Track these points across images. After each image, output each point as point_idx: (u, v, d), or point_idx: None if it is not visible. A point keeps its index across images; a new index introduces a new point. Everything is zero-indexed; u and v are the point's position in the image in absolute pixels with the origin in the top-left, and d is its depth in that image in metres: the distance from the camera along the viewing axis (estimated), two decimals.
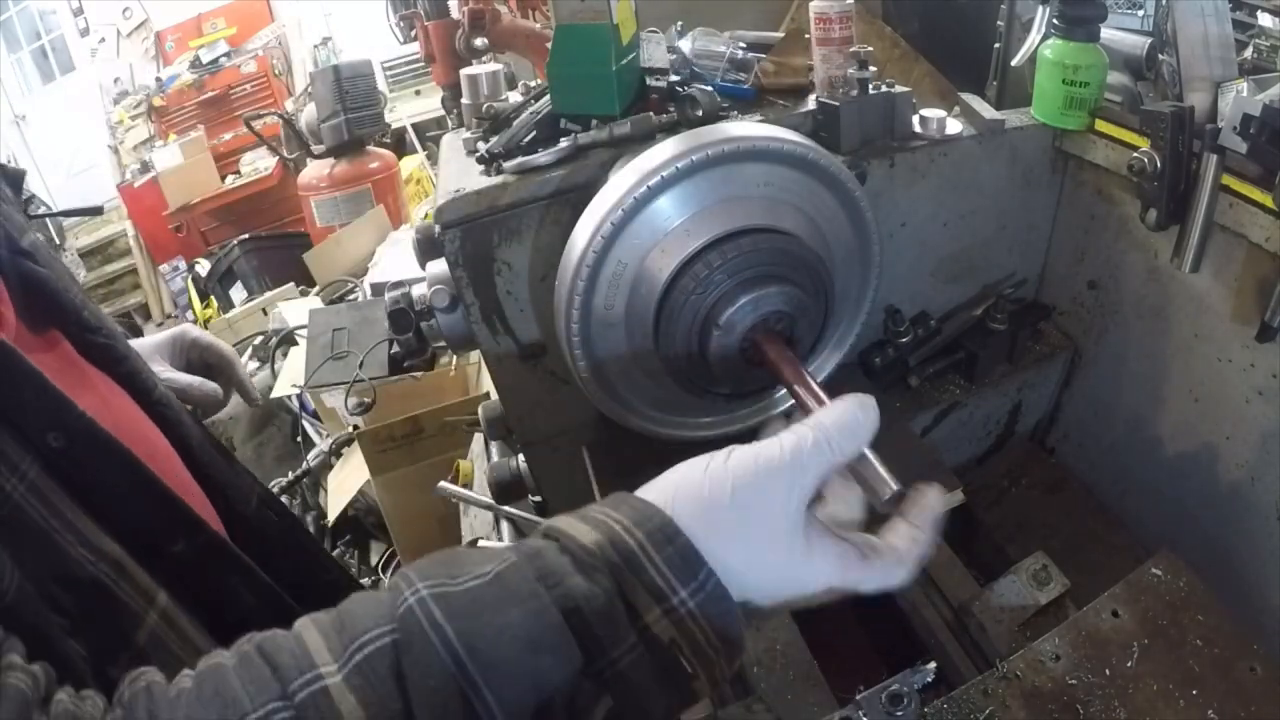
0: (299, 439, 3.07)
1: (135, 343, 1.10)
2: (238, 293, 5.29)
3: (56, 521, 0.66)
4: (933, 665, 0.80)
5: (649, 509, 0.55)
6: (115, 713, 0.49)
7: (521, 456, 1.31)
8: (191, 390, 1.11)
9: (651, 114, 1.08)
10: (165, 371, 1.10)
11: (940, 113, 1.22)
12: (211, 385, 1.14)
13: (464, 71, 1.30)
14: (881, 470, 0.62)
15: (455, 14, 1.72)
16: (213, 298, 5.53)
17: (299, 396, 2.98)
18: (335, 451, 2.85)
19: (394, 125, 5.48)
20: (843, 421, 0.59)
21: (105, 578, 0.68)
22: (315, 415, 3.03)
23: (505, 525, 1.46)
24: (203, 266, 5.85)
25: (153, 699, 0.49)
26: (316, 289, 4.05)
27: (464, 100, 1.30)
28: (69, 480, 0.69)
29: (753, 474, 0.56)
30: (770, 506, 0.56)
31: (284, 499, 2.76)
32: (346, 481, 2.74)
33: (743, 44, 1.25)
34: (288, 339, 3.19)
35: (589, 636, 0.50)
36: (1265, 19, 1.41)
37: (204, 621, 0.77)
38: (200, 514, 0.82)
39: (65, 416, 0.69)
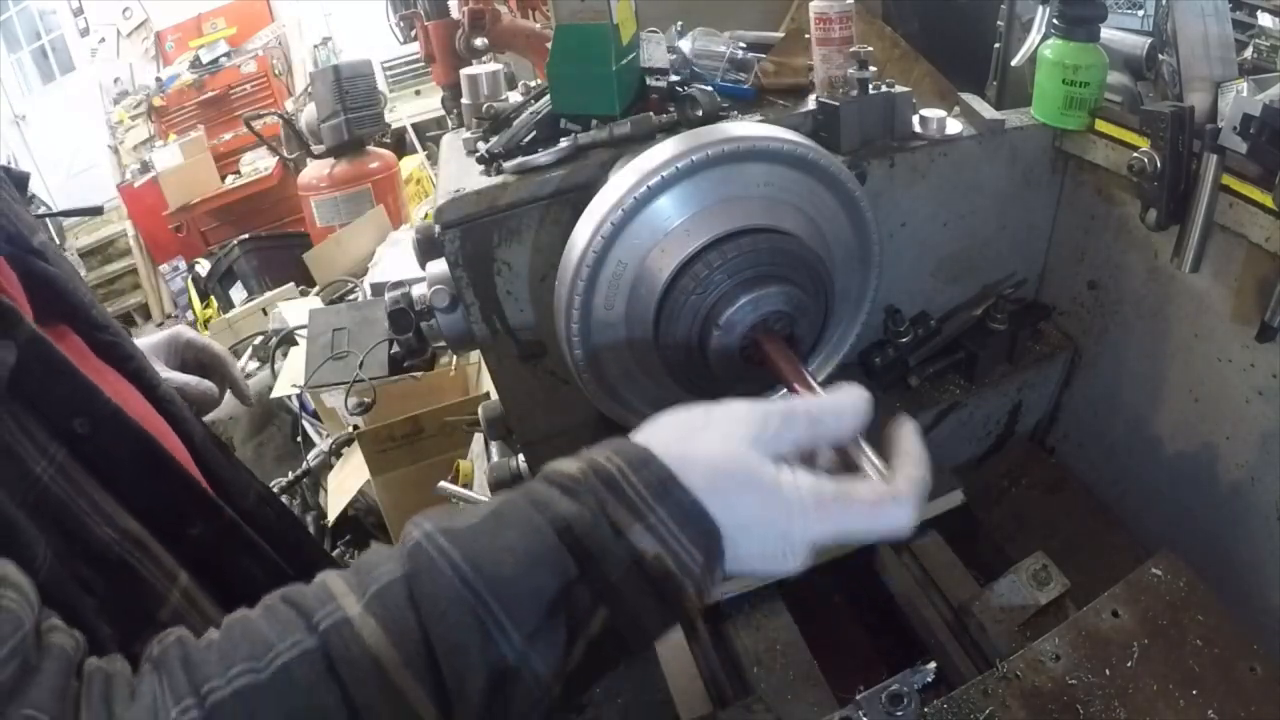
0: (299, 439, 3.06)
1: None
2: (238, 293, 5.28)
3: (84, 503, 0.68)
4: (933, 665, 0.80)
5: (628, 442, 0.60)
6: (145, 667, 0.52)
7: (521, 456, 1.31)
8: (188, 388, 1.12)
9: (651, 114, 1.08)
10: (163, 371, 1.11)
11: (940, 113, 1.22)
12: (207, 384, 1.16)
13: (464, 71, 1.30)
14: (871, 456, 0.62)
15: (455, 14, 1.71)
16: (213, 298, 5.53)
17: (299, 396, 2.98)
18: (335, 451, 2.85)
19: (394, 125, 5.48)
20: (827, 403, 0.63)
21: (130, 557, 0.70)
22: (315, 415, 3.02)
23: None
24: (203, 266, 5.85)
25: (184, 648, 0.52)
26: (316, 289, 4.05)
27: (464, 100, 1.30)
28: (93, 465, 0.71)
29: (727, 415, 0.61)
30: (738, 441, 0.59)
31: (284, 499, 2.76)
32: (346, 481, 2.74)
33: (743, 44, 1.25)
34: (288, 339, 3.18)
35: (580, 550, 0.54)
36: (1265, 19, 1.42)
37: (221, 602, 0.79)
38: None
39: (92, 404, 0.72)
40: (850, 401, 0.63)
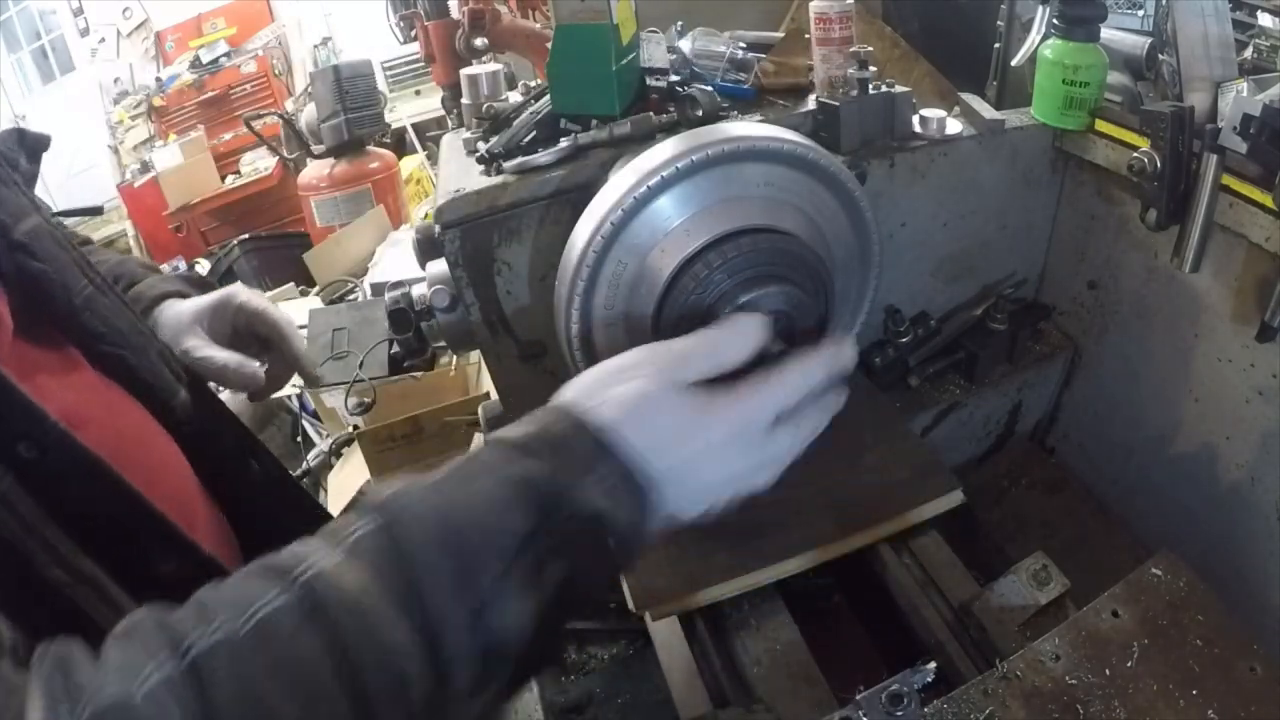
0: (299, 439, 3.06)
1: (174, 309, 1.01)
2: None
3: (32, 540, 0.61)
4: (933, 665, 0.80)
5: (561, 406, 0.66)
6: (109, 643, 0.49)
7: None
8: (228, 372, 0.98)
9: (651, 114, 1.08)
10: (203, 348, 0.98)
11: (940, 113, 1.22)
12: (251, 366, 1.00)
13: (464, 71, 1.30)
14: None
15: (455, 14, 1.71)
16: None
17: (299, 396, 2.98)
18: (335, 451, 2.85)
19: (394, 125, 5.48)
20: (720, 333, 0.71)
21: (84, 602, 0.63)
22: (315, 415, 3.02)
23: None
24: (203, 266, 5.84)
25: (156, 616, 0.51)
26: (316, 289, 4.05)
27: (464, 100, 1.30)
28: (45, 495, 0.63)
29: (635, 363, 0.68)
30: (650, 380, 0.65)
31: None
32: (347, 482, 2.73)
33: (743, 44, 1.25)
34: None
35: (538, 501, 0.57)
36: (1265, 19, 1.42)
37: None
38: (201, 533, 0.77)
39: (36, 426, 0.63)
40: (741, 325, 0.71)
